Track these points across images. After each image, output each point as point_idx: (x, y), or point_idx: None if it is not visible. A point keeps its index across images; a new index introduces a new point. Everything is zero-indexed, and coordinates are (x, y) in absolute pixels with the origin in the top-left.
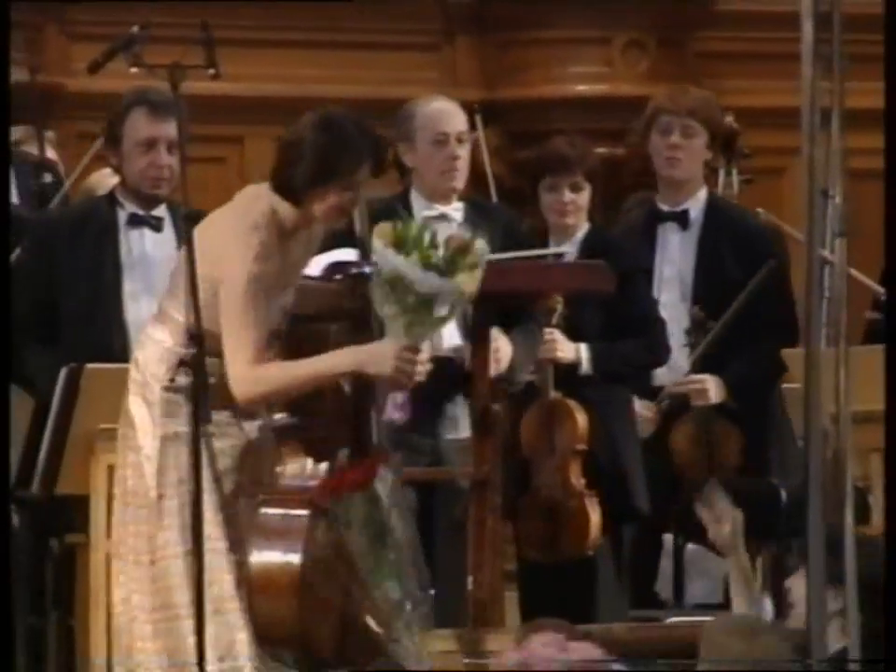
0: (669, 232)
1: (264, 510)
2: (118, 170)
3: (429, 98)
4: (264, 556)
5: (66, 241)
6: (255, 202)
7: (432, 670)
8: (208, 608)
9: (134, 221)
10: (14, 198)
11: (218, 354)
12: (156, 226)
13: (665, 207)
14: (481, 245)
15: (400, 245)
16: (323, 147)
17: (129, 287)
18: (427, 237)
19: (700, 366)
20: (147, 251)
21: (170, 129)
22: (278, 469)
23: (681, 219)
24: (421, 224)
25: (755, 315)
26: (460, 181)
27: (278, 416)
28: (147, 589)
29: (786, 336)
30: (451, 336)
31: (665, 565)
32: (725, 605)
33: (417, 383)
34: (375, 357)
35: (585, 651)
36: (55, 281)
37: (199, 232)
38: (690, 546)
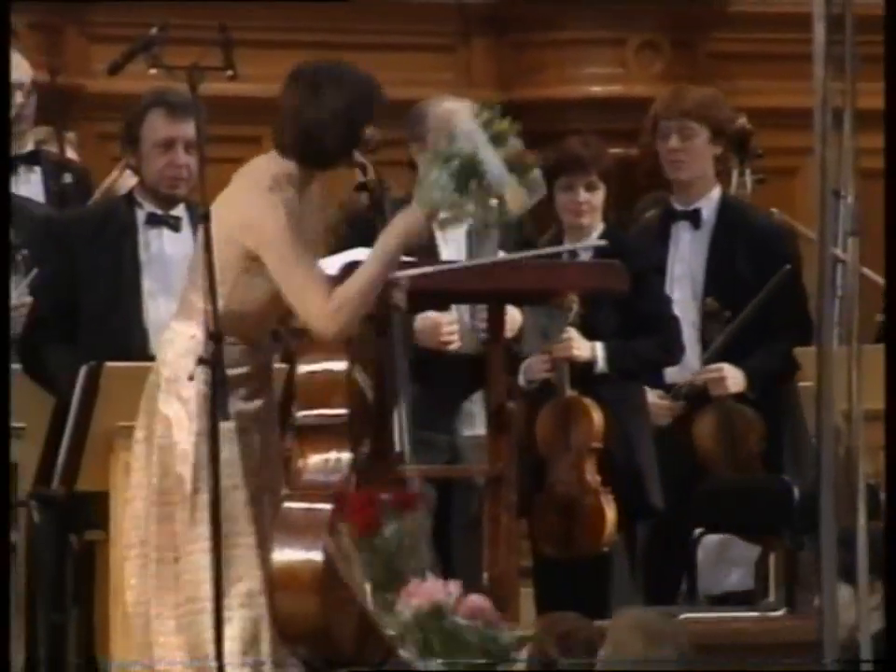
0: (682, 231)
1: (287, 504)
2: (136, 170)
3: (441, 98)
4: (286, 552)
5: (86, 240)
6: (264, 171)
7: (436, 670)
8: (235, 602)
9: (153, 221)
10: (41, 198)
11: (249, 340)
12: (174, 225)
13: (678, 207)
14: (539, 176)
15: (493, 134)
16: (347, 111)
17: (148, 285)
18: (513, 142)
19: (715, 361)
20: (166, 250)
21: (187, 129)
22: (300, 463)
23: (693, 218)
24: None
25: (769, 313)
26: None
27: (301, 414)
28: (171, 586)
29: (800, 334)
30: (465, 336)
31: (701, 556)
32: (757, 592)
33: None
34: (412, 226)
35: (477, 602)
36: (75, 280)
37: (214, 214)
38: (716, 536)
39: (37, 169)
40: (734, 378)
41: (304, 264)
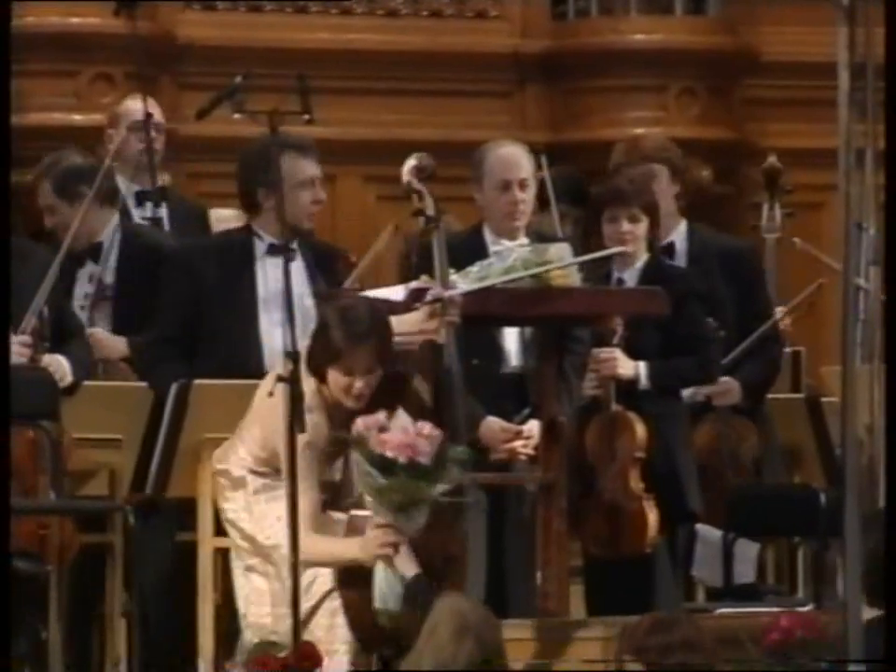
0: None
1: (354, 512)
2: (256, 208)
3: (499, 144)
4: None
5: (209, 267)
6: (306, 382)
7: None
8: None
9: (273, 251)
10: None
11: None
12: (290, 256)
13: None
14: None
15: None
16: (328, 327)
17: (263, 309)
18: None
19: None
20: (281, 279)
21: (318, 168)
22: None
23: (668, 251)
24: None
25: (749, 326)
26: (521, 221)
27: None
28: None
29: (776, 345)
30: (515, 356)
31: (701, 550)
32: (757, 585)
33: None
34: (364, 548)
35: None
36: (198, 302)
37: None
38: (717, 533)
39: (164, 205)
40: (737, 390)
41: (304, 490)
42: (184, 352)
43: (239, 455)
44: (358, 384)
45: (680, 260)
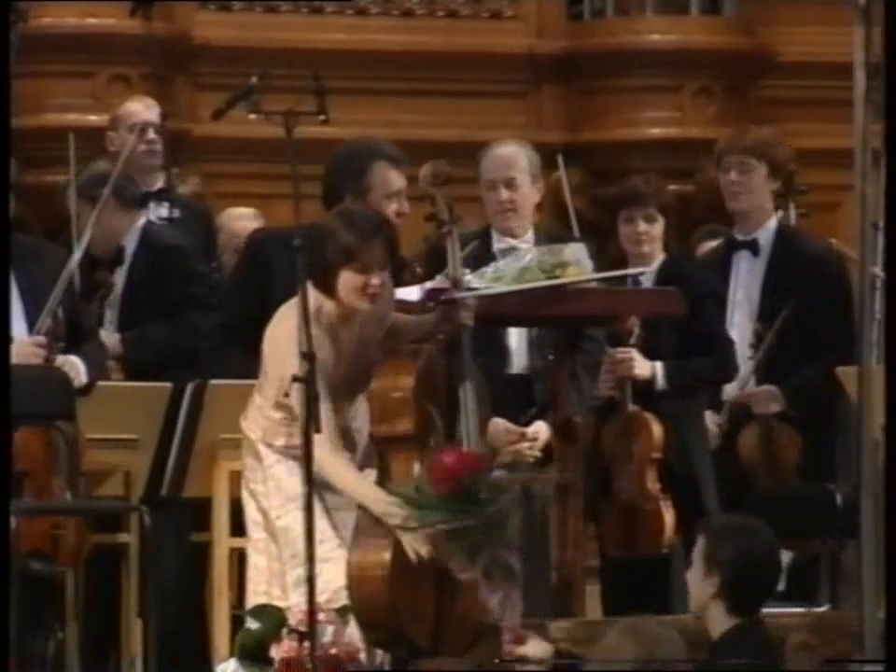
0: (741, 259)
1: (361, 510)
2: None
3: (497, 144)
4: (360, 552)
5: (283, 258)
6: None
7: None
8: (323, 598)
9: None
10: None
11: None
12: None
13: (739, 237)
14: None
15: None
16: (334, 231)
17: None
18: None
19: (764, 377)
20: None
21: (405, 180)
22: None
23: (752, 247)
24: None
25: (816, 332)
26: (514, 221)
27: (373, 428)
28: None
29: (844, 351)
30: (521, 356)
31: None
32: (787, 594)
33: None
34: (384, 516)
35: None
36: (264, 295)
37: (269, 329)
38: None
39: (166, 204)
40: (775, 399)
41: (327, 411)
42: (243, 340)
43: (256, 403)
44: (374, 280)
45: (762, 256)
